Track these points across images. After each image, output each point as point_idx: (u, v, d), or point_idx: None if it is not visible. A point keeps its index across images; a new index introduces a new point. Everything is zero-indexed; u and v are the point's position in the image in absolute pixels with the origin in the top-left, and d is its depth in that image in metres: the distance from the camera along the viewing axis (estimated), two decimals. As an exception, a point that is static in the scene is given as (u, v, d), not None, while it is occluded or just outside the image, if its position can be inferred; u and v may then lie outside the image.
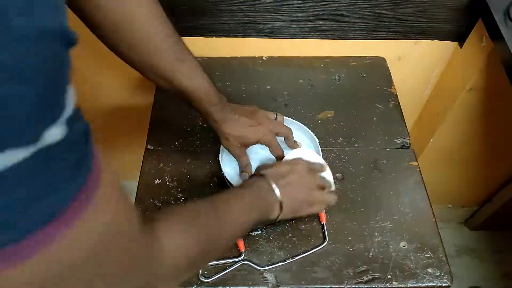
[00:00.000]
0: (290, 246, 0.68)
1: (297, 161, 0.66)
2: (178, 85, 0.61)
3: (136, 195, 0.73)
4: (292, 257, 0.66)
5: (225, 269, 0.64)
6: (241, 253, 0.66)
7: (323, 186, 0.66)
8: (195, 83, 0.62)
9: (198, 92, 0.62)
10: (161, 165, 0.77)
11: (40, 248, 0.25)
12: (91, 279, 0.30)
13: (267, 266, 0.65)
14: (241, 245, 0.66)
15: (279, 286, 0.64)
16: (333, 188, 0.68)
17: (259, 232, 0.69)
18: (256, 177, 0.61)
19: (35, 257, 0.25)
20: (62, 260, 0.27)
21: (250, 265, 0.65)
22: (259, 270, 0.65)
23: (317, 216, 0.70)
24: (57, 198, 0.25)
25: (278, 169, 0.62)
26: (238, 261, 0.65)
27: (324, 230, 0.69)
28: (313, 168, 0.66)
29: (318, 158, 0.70)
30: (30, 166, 0.22)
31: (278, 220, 0.60)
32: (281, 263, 0.65)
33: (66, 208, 0.25)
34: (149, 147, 0.80)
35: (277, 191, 0.58)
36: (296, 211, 0.62)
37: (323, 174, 0.67)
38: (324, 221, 0.70)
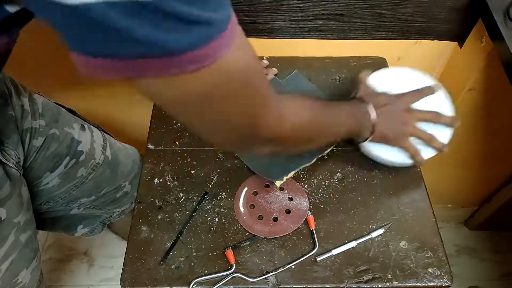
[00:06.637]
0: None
1: (400, 96, 0.72)
2: None
3: (136, 194, 0.74)
4: (283, 266, 0.65)
5: (216, 283, 0.64)
6: (231, 265, 0.65)
7: (418, 133, 0.71)
8: None
9: None
10: (162, 164, 0.77)
11: (216, 56, 0.34)
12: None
13: (258, 277, 0.64)
14: (231, 257, 0.65)
15: (280, 285, 0.64)
16: (437, 143, 0.71)
17: (248, 243, 0.68)
18: (359, 100, 0.69)
19: (210, 66, 0.34)
20: (227, 71, 0.36)
21: (241, 277, 0.64)
22: (250, 281, 0.64)
23: (306, 223, 0.70)
24: (223, 16, 0.33)
25: (379, 98, 0.70)
26: (228, 275, 0.64)
27: (314, 236, 0.69)
28: (411, 109, 0.72)
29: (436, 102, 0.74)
30: None
31: (365, 140, 0.69)
32: (272, 273, 0.65)
33: (221, 35, 0.33)
34: (149, 146, 0.80)
35: (373, 115, 0.66)
36: (385, 138, 0.70)
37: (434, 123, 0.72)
38: (312, 226, 0.69)
